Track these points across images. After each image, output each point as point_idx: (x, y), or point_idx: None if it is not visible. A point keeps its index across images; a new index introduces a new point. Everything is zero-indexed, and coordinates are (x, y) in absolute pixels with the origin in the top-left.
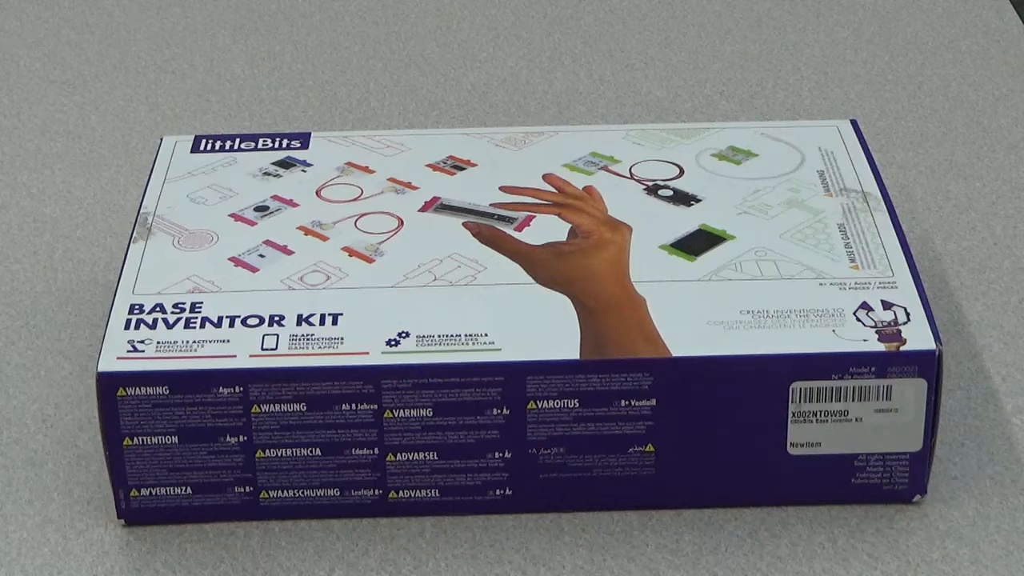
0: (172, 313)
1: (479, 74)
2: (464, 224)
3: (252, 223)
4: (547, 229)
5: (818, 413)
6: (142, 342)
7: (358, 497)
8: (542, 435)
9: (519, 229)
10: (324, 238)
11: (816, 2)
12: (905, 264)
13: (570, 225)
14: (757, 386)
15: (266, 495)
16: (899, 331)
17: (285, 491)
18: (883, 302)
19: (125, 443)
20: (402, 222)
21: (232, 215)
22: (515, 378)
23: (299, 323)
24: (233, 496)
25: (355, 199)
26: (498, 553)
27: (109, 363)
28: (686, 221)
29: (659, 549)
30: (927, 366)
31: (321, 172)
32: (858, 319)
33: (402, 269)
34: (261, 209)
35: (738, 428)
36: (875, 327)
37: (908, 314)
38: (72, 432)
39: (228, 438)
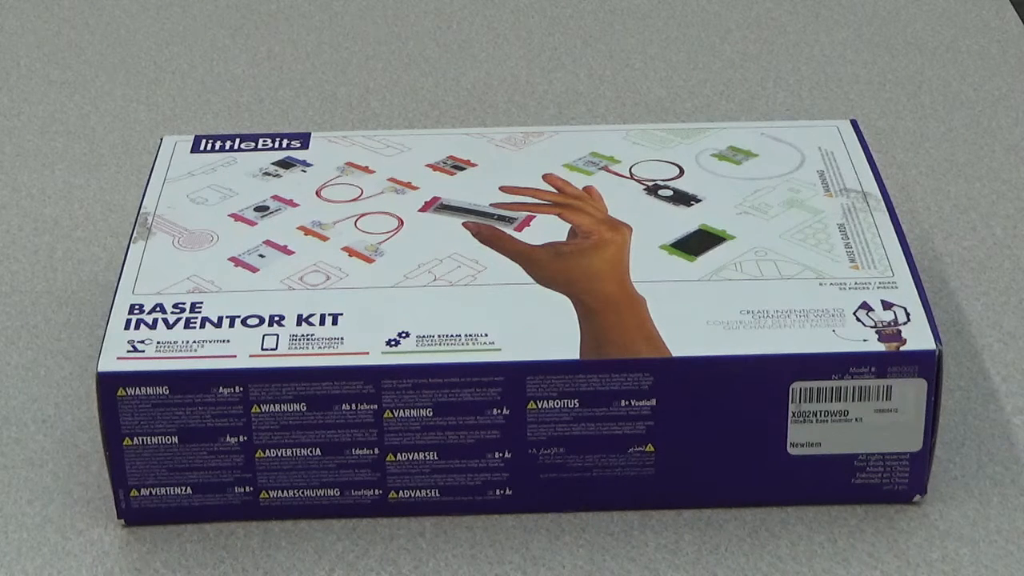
0: (172, 313)
1: (479, 74)
2: (464, 224)
3: (252, 223)
4: (547, 229)
5: (818, 413)
6: (142, 342)
7: (358, 497)
8: (542, 435)
9: (519, 229)
10: (324, 238)
11: (816, 2)
12: (905, 264)
13: (570, 225)
14: (757, 386)
15: (266, 495)
16: (899, 331)
17: (285, 491)
18: (883, 302)
19: (125, 443)
20: (402, 222)
21: (232, 215)
22: (515, 378)
23: (299, 323)
24: (233, 496)
25: (355, 199)
26: (498, 553)
27: (109, 363)
28: (686, 221)
29: (659, 549)
30: (927, 366)
31: (321, 172)
32: (858, 319)
33: (402, 269)
34: (261, 209)
35: (738, 428)
36: (875, 327)
37: (908, 314)
38: (72, 432)
39: (228, 438)
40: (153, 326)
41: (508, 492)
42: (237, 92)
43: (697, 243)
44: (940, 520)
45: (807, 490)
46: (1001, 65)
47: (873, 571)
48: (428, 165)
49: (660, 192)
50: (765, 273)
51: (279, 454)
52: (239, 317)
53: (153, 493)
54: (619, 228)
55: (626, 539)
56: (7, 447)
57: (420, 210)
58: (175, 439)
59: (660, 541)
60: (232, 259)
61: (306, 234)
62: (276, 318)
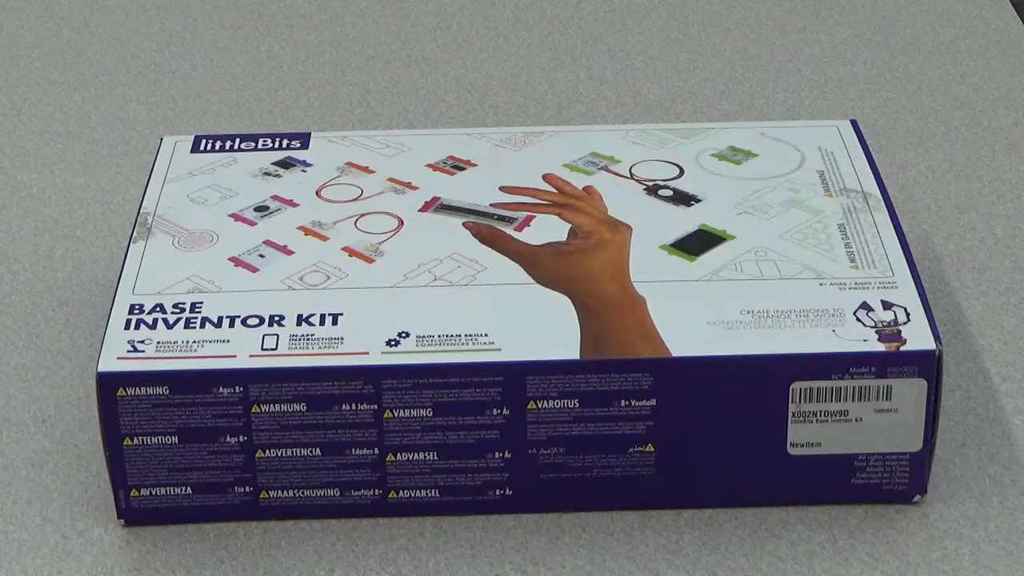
0: (172, 313)
1: (479, 74)
2: (464, 224)
3: (252, 223)
4: (547, 229)
5: (818, 413)
6: (142, 342)
7: (358, 497)
8: (542, 435)
9: (519, 229)
10: (324, 238)
11: (816, 2)
12: (905, 264)
13: (570, 225)
14: (757, 386)
15: (266, 495)
16: (899, 331)
17: (285, 491)
18: (883, 302)
19: (125, 443)
20: (402, 222)
21: (232, 215)
22: (515, 378)
23: (299, 323)
24: (233, 496)
25: (355, 199)
26: (498, 553)
27: (109, 363)
28: (686, 221)
29: (659, 549)
30: (927, 366)
31: (321, 172)
32: (858, 319)
33: (402, 269)
34: (261, 209)
35: (738, 428)
36: (875, 327)
37: (908, 314)
38: (72, 432)
39: (228, 438)
40: (153, 326)
41: (508, 492)
42: (237, 92)
43: (697, 243)
44: (940, 520)
45: (807, 490)
46: (1001, 65)
47: (873, 571)
48: (428, 165)
49: (660, 192)
50: (765, 273)
51: (279, 454)
52: (239, 317)
53: (153, 493)
54: (619, 228)
55: (626, 539)
56: (7, 447)
57: (420, 210)
58: (175, 439)
59: (660, 541)
60: (232, 259)
61: (306, 234)
62: (276, 318)
